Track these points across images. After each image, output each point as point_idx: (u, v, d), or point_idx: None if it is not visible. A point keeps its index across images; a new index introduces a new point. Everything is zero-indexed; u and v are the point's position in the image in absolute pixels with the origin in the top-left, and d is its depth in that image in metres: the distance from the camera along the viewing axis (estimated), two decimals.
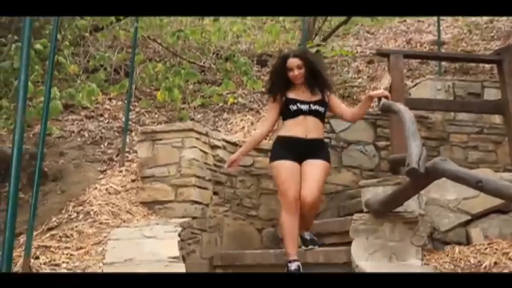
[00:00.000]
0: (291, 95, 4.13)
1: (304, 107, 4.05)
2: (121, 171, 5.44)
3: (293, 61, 4.08)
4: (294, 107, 4.05)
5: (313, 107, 4.07)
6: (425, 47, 9.46)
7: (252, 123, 6.84)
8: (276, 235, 5.62)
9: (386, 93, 4.10)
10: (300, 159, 4.05)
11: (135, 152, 5.62)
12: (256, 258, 4.92)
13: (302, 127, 4.04)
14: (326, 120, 4.76)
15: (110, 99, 7.22)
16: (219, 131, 6.50)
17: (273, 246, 5.54)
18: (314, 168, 4.02)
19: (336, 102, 4.26)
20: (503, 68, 5.77)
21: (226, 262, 5.00)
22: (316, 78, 4.12)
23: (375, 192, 4.49)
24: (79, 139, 6.11)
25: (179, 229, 4.43)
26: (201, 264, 4.93)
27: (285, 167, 4.00)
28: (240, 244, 5.45)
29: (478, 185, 2.96)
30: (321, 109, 4.11)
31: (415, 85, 7.17)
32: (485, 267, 3.85)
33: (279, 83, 4.16)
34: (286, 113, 4.12)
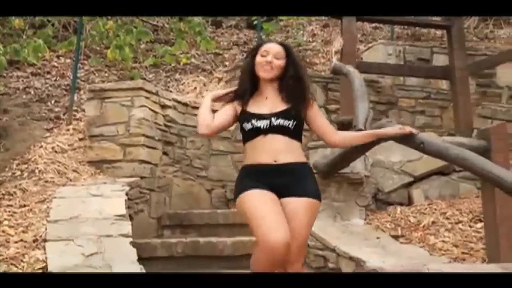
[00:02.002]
0: (249, 105, 2.78)
1: (262, 123, 2.71)
2: (68, 130, 5.33)
3: (275, 46, 2.80)
4: (248, 126, 2.72)
5: (276, 121, 2.72)
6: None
7: (204, 84, 6.79)
8: (225, 196, 5.67)
9: (403, 131, 2.94)
10: (275, 194, 2.65)
11: (83, 110, 5.51)
12: (204, 218, 4.96)
13: (265, 151, 2.69)
14: None
15: (58, 56, 7.00)
16: (171, 91, 6.42)
17: (222, 206, 5.59)
18: (299, 217, 2.60)
19: (319, 119, 2.83)
20: (452, 33, 5.88)
21: (174, 222, 5.02)
22: (295, 84, 2.77)
23: (324, 153, 4.57)
24: (24, 96, 5.92)
25: (127, 188, 4.40)
26: (149, 223, 4.93)
27: (259, 196, 2.59)
28: (189, 204, 5.47)
29: (420, 146, 3.03)
30: (288, 122, 2.72)
31: (367, 49, 7.24)
32: (423, 226, 4.00)
33: (245, 82, 2.81)
34: (242, 134, 2.79)
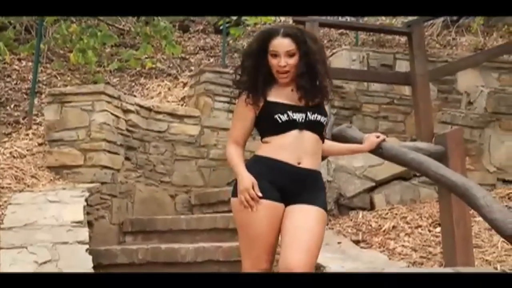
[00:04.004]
0: (273, 96, 2.51)
1: (298, 116, 2.46)
2: (27, 134, 5.23)
3: (283, 43, 2.47)
4: (284, 117, 2.44)
5: (312, 115, 2.48)
6: (346, 18, 9.60)
7: (169, 89, 6.74)
8: (189, 201, 5.62)
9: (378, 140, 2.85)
10: (283, 200, 2.44)
11: (44, 115, 5.40)
12: (167, 224, 4.90)
13: (294, 149, 2.44)
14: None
15: (19, 59, 6.86)
16: (135, 96, 6.35)
17: (186, 212, 5.55)
18: (309, 223, 2.38)
19: None
20: (413, 40, 5.96)
21: (136, 228, 4.95)
22: (313, 77, 2.49)
23: None
24: None
25: (86, 194, 4.33)
26: (110, 230, 4.85)
27: (267, 215, 2.40)
28: (153, 210, 5.40)
29: (379, 151, 3.05)
30: (324, 119, 2.52)
31: (331, 55, 7.28)
32: (384, 231, 4.04)
33: (260, 75, 2.51)
34: (267, 126, 2.51)
